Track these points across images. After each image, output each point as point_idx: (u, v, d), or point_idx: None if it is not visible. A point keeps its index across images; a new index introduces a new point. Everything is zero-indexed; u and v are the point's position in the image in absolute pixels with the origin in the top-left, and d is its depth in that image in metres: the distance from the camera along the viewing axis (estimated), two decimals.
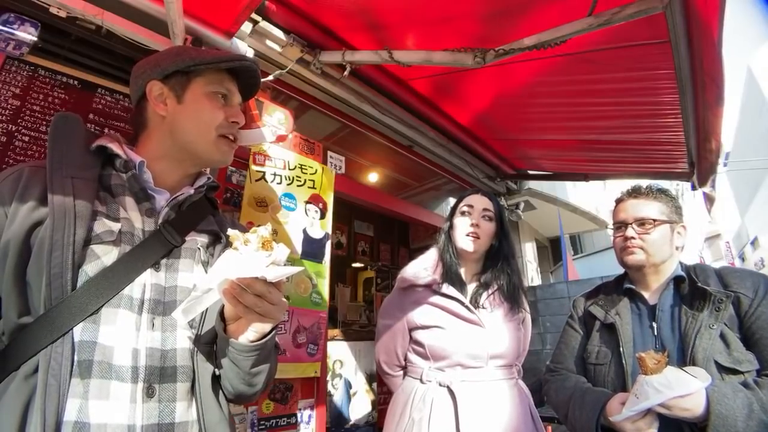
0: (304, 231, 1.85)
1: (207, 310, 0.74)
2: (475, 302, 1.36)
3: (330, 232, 1.98)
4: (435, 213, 3.50)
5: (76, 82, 1.48)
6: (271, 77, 1.78)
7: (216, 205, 0.93)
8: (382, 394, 3.06)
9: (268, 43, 1.76)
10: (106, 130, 1.51)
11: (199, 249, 0.80)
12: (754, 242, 9.15)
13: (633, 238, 1.17)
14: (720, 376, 0.98)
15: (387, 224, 4.46)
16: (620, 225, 1.22)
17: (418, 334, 1.35)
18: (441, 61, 1.65)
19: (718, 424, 0.88)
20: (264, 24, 1.69)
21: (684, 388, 0.90)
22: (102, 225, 0.70)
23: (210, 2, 1.38)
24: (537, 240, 5.94)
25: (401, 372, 1.43)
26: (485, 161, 3.15)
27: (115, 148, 0.77)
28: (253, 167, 1.74)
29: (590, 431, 1.05)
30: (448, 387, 1.25)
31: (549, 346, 3.30)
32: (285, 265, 0.65)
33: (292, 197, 1.84)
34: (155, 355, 0.68)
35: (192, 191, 0.84)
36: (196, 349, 0.74)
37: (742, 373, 0.97)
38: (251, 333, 0.70)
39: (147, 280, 0.71)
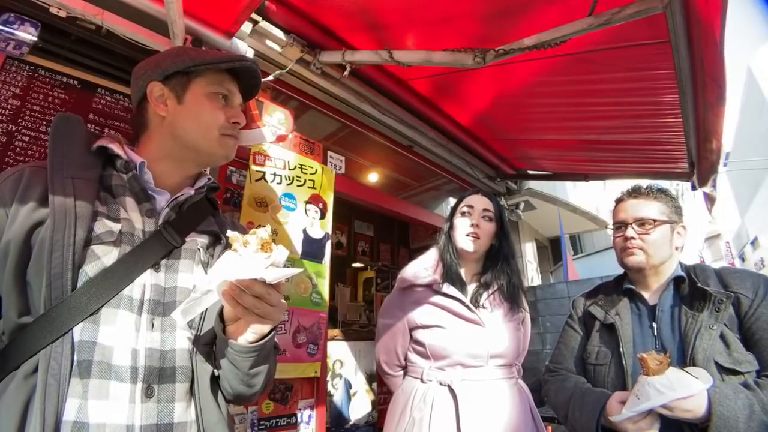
0: (304, 231, 1.85)
1: (206, 310, 0.74)
2: (475, 302, 1.36)
3: (330, 232, 1.97)
4: (435, 213, 3.50)
5: (76, 82, 1.48)
6: (271, 77, 1.78)
7: (216, 206, 0.93)
8: (382, 394, 3.06)
9: (268, 43, 1.76)
10: (106, 131, 1.51)
11: (199, 250, 0.80)
12: (754, 242, 9.16)
13: (633, 238, 1.17)
14: (720, 376, 0.98)
15: (387, 224, 4.46)
16: (620, 225, 1.22)
17: (419, 334, 1.35)
18: (441, 61, 1.65)
19: (720, 425, 0.88)
20: (264, 24, 1.69)
21: (686, 390, 0.90)
22: (102, 225, 0.70)
23: (210, 2, 1.38)
24: (537, 240, 5.94)
25: (401, 372, 1.44)
26: (485, 161, 3.15)
27: (115, 148, 0.77)
28: (253, 167, 1.74)
29: (590, 431, 1.05)
30: (448, 386, 1.26)
31: (549, 346, 3.30)
32: (285, 266, 0.66)
33: (292, 197, 1.84)
34: (154, 356, 0.68)
35: (192, 192, 0.84)
36: (195, 349, 0.74)
37: (742, 373, 0.97)
38: (250, 334, 0.70)
39: (147, 281, 0.71)
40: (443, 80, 2.07)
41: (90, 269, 0.66)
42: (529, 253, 4.80)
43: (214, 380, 0.76)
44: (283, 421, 1.71)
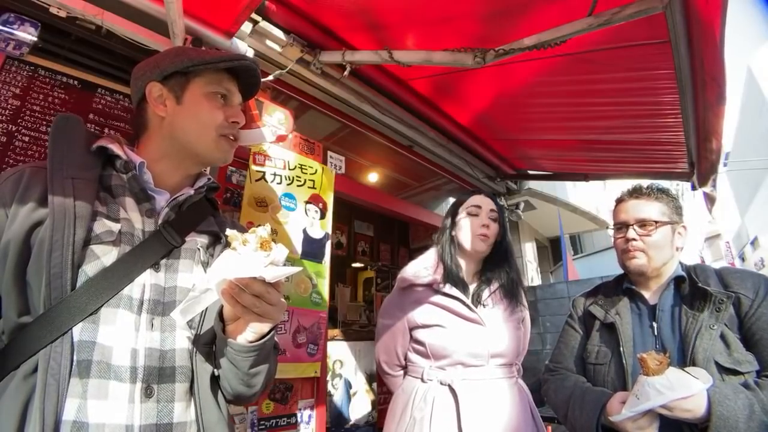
0: (304, 231, 1.85)
1: (206, 310, 0.74)
2: (475, 301, 1.36)
3: (330, 232, 1.97)
4: (435, 213, 3.50)
5: (76, 82, 1.48)
6: (271, 77, 1.78)
7: (216, 206, 0.93)
8: (382, 394, 3.06)
9: (268, 43, 1.76)
10: (106, 131, 1.51)
11: (198, 249, 0.80)
12: (754, 242, 9.16)
13: (634, 239, 1.17)
14: (720, 376, 0.98)
15: (387, 224, 4.45)
16: (621, 226, 1.22)
17: (419, 333, 1.35)
18: (441, 61, 1.65)
19: (720, 426, 0.88)
20: (264, 24, 1.69)
21: (686, 390, 0.90)
22: (102, 225, 0.70)
23: (210, 2, 1.38)
24: (537, 240, 5.94)
25: (401, 372, 1.44)
26: (485, 161, 3.15)
27: (115, 148, 0.77)
28: (253, 167, 1.74)
29: (590, 431, 1.05)
30: (449, 386, 1.26)
31: (549, 346, 3.30)
32: (284, 265, 0.65)
33: (292, 197, 1.84)
34: (154, 356, 0.68)
35: (192, 192, 0.84)
36: (194, 349, 0.74)
37: (742, 373, 0.97)
38: (250, 333, 0.70)
39: (146, 281, 0.71)
40: (443, 80, 2.07)
41: (89, 269, 0.66)
42: (529, 253, 4.80)
43: (214, 380, 0.76)
44: (283, 421, 1.71)
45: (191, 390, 0.72)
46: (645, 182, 1.31)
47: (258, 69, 0.90)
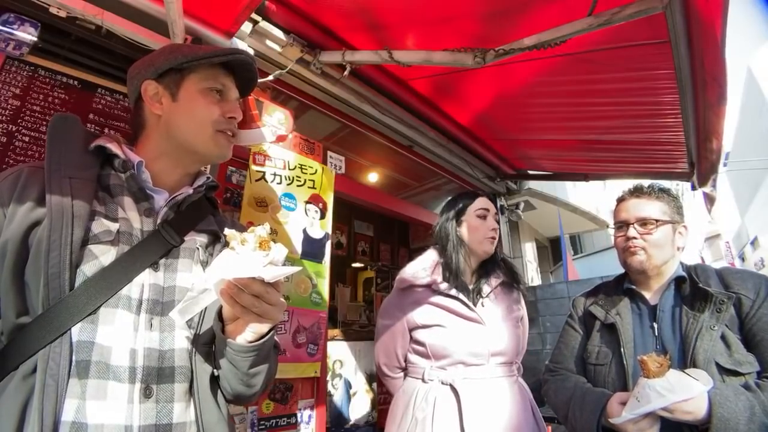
0: (304, 231, 1.85)
1: (206, 309, 0.74)
2: (474, 300, 1.37)
3: (330, 232, 1.97)
4: (435, 213, 3.49)
5: (76, 82, 1.48)
6: (271, 77, 1.78)
7: (216, 205, 0.93)
8: (382, 394, 3.05)
9: (268, 43, 1.76)
10: (106, 130, 1.51)
11: (198, 249, 0.80)
12: (754, 242, 9.15)
13: (635, 238, 1.17)
14: (720, 377, 0.97)
15: (387, 224, 4.45)
16: (622, 225, 1.22)
17: (419, 334, 1.35)
18: (441, 61, 1.65)
19: (720, 427, 0.88)
20: (264, 24, 1.69)
21: (686, 392, 0.90)
22: (100, 225, 0.70)
23: (210, 2, 1.38)
24: (537, 240, 5.94)
25: (401, 373, 1.44)
26: (485, 161, 3.15)
27: (113, 148, 0.77)
28: (253, 167, 1.74)
29: None
30: (450, 385, 1.26)
31: (549, 346, 3.29)
32: (284, 264, 0.65)
33: (292, 197, 1.84)
34: (153, 356, 0.68)
35: (191, 191, 0.84)
36: (194, 349, 0.73)
37: (743, 374, 0.97)
38: (249, 333, 0.69)
39: (145, 280, 0.71)
40: (443, 80, 2.07)
41: (88, 269, 0.66)
42: (529, 253, 4.80)
43: (214, 380, 0.75)
44: (283, 421, 1.70)
45: (191, 390, 0.72)
46: (646, 182, 1.31)
47: (254, 63, 0.89)
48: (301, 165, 1.92)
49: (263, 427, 1.63)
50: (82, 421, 0.60)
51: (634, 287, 1.21)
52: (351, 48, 1.86)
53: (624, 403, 0.99)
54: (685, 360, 1.03)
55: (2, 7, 1.29)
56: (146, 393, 0.66)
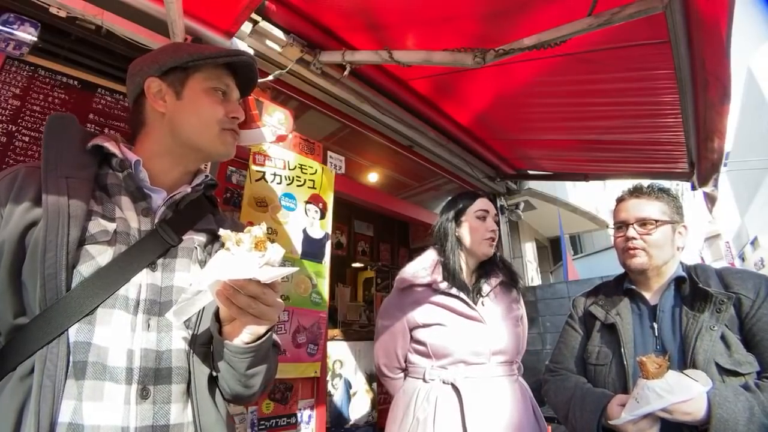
0: (304, 231, 1.85)
1: (204, 310, 0.74)
2: (474, 299, 1.37)
3: (330, 232, 1.97)
4: (435, 213, 3.49)
5: (76, 82, 1.48)
6: (271, 77, 1.78)
7: (216, 203, 0.92)
8: (382, 393, 3.05)
9: (268, 43, 1.76)
10: (106, 130, 1.51)
11: (196, 248, 0.80)
12: (754, 242, 9.15)
13: (635, 238, 1.17)
14: (720, 377, 0.97)
15: (387, 224, 4.45)
16: (621, 225, 1.22)
17: (420, 333, 1.35)
18: (441, 61, 1.65)
19: (720, 428, 0.88)
20: (264, 24, 1.69)
21: (685, 393, 0.90)
22: (97, 225, 0.69)
23: (210, 2, 1.38)
24: (537, 240, 5.94)
25: (401, 374, 1.43)
26: (485, 161, 3.15)
27: (110, 146, 0.77)
28: (253, 167, 1.74)
29: None
30: (452, 384, 1.26)
31: (549, 346, 3.29)
32: (282, 264, 0.64)
33: (292, 197, 1.84)
34: (150, 356, 0.68)
35: (189, 189, 0.83)
36: (191, 350, 0.73)
37: (743, 375, 0.97)
38: (246, 335, 0.69)
39: (143, 280, 0.71)
40: (443, 80, 2.07)
41: (84, 269, 0.66)
42: (529, 253, 4.80)
43: (212, 380, 0.75)
44: (283, 421, 1.70)
45: (188, 391, 0.72)
46: (646, 182, 1.31)
47: (255, 65, 0.90)
48: (301, 165, 1.92)
49: (263, 427, 1.63)
50: (79, 422, 0.60)
51: (634, 287, 1.21)
52: (351, 48, 1.86)
53: (623, 406, 0.99)
54: (684, 360, 1.03)
55: (2, 7, 1.29)
56: (143, 394, 0.65)
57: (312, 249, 1.87)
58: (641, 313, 1.18)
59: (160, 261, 0.74)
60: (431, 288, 1.38)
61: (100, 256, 0.68)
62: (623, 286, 1.24)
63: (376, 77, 2.10)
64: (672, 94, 1.76)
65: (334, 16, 1.72)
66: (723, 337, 1.01)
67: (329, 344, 2.24)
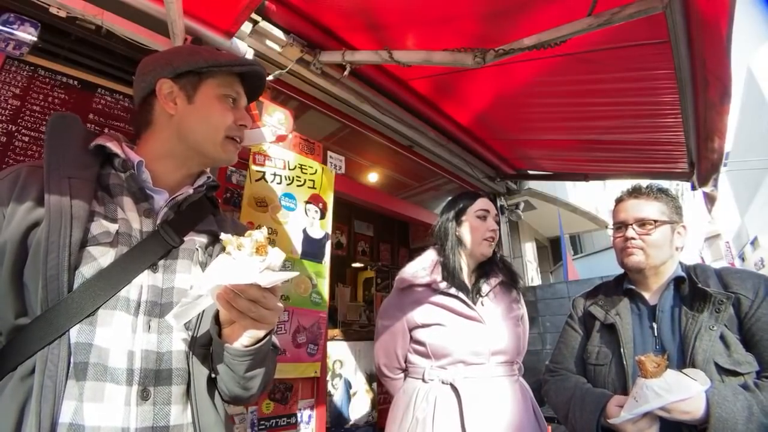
0: (304, 231, 1.85)
1: (203, 312, 0.74)
2: (474, 299, 1.37)
3: (330, 232, 1.97)
4: (435, 213, 3.49)
5: (76, 82, 1.48)
6: (271, 77, 1.78)
7: (217, 204, 0.92)
8: (382, 394, 3.06)
9: (268, 43, 1.76)
10: (106, 130, 1.51)
11: (197, 249, 0.80)
12: (754, 242, 9.14)
13: (633, 238, 1.17)
14: (720, 377, 0.98)
15: (387, 224, 4.45)
16: (620, 225, 1.22)
17: (419, 333, 1.35)
18: (441, 61, 1.65)
19: (719, 427, 0.88)
20: (264, 24, 1.69)
21: (684, 392, 0.90)
22: (99, 226, 0.70)
23: (210, 2, 1.38)
24: (537, 240, 5.94)
25: (402, 375, 1.43)
26: (485, 161, 3.15)
27: (113, 147, 0.77)
28: (253, 167, 1.74)
29: None
30: (451, 384, 1.26)
31: (549, 346, 3.29)
32: (283, 267, 0.65)
33: (292, 197, 1.84)
34: (150, 358, 0.68)
35: (191, 191, 0.83)
36: (191, 351, 0.73)
37: (742, 374, 0.97)
38: (245, 338, 0.69)
39: (144, 282, 0.71)
40: (443, 80, 2.07)
41: (86, 270, 0.66)
42: (529, 253, 4.80)
43: (211, 381, 0.75)
44: (283, 421, 1.70)
45: (188, 392, 0.72)
46: (644, 182, 1.31)
47: (265, 74, 0.91)
48: (301, 165, 1.92)
49: (263, 427, 1.63)
50: (80, 422, 0.60)
51: (633, 287, 1.21)
52: (351, 48, 1.86)
53: (621, 406, 0.99)
54: (684, 360, 1.03)
55: (2, 7, 1.29)
56: (143, 395, 0.66)
57: (312, 249, 1.87)
58: (641, 313, 1.18)
59: (161, 262, 0.74)
60: (431, 288, 1.38)
61: (102, 257, 0.68)
62: (623, 286, 1.24)
63: (376, 77, 2.10)
64: (672, 94, 1.76)
65: (334, 16, 1.72)
66: (722, 337, 1.01)
67: (329, 344, 2.24)
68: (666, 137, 2.24)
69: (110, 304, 0.67)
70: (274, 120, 1.78)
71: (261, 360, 0.73)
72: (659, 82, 1.74)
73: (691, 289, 1.10)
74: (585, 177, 3.08)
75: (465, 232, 1.43)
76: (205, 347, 0.75)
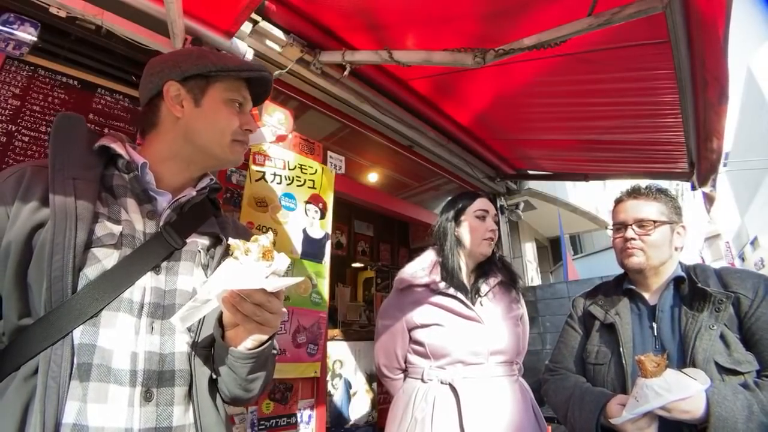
0: (304, 231, 1.85)
1: (205, 315, 0.74)
2: (473, 300, 1.37)
3: (330, 232, 1.97)
4: (435, 213, 3.49)
5: (76, 82, 1.48)
6: None
7: (218, 206, 0.93)
8: (382, 393, 3.05)
9: (268, 43, 1.76)
10: (106, 130, 1.51)
11: (199, 251, 0.80)
12: (754, 242, 9.15)
13: (633, 239, 1.17)
14: (720, 376, 0.98)
15: (387, 224, 4.45)
16: (620, 226, 1.22)
17: (418, 334, 1.36)
18: (441, 61, 1.65)
19: (718, 426, 0.88)
20: (264, 24, 1.69)
21: (683, 391, 0.90)
22: (103, 228, 0.70)
23: (210, 2, 1.38)
24: (537, 240, 5.94)
25: (401, 375, 1.44)
26: (485, 161, 3.15)
27: (117, 148, 0.77)
28: (253, 167, 1.74)
29: (590, 431, 1.05)
30: (450, 384, 1.26)
31: (549, 346, 3.29)
32: (286, 273, 0.66)
33: (292, 197, 1.84)
34: (154, 359, 0.68)
35: (194, 193, 0.84)
36: (193, 353, 0.74)
37: (742, 373, 0.97)
38: (249, 341, 0.70)
39: (147, 284, 0.71)
40: (443, 80, 2.07)
41: (90, 272, 0.66)
42: (529, 253, 4.80)
43: (213, 383, 0.76)
44: (283, 421, 1.70)
45: (190, 393, 0.72)
46: (644, 182, 1.31)
47: (272, 81, 0.92)
48: (301, 165, 1.92)
49: (263, 427, 1.63)
50: (83, 423, 0.61)
51: (633, 287, 1.21)
52: (351, 48, 1.86)
53: (623, 405, 0.99)
54: (684, 360, 1.03)
55: (2, 7, 1.29)
56: (147, 396, 0.66)
57: (312, 249, 1.87)
58: (640, 313, 1.18)
59: (164, 264, 0.74)
60: (430, 288, 1.38)
61: (106, 259, 0.68)
62: (623, 286, 1.24)
63: (376, 77, 2.10)
64: (672, 94, 1.76)
65: (334, 16, 1.72)
66: (722, 337, 1.01)
67: (329, 344, 2.24)
68: (666, 137, 2.24)
69: (113, 306, 0.67)
70: (274, 120, 1.78)
71: (263, 363, 0.74)
72: (659, 82, 1.74)
73: (691, 288, 1.11)
74: (585, 177, 3.09)
75: (464, 232, 1.43)
76: (207, 348, 0.76)
